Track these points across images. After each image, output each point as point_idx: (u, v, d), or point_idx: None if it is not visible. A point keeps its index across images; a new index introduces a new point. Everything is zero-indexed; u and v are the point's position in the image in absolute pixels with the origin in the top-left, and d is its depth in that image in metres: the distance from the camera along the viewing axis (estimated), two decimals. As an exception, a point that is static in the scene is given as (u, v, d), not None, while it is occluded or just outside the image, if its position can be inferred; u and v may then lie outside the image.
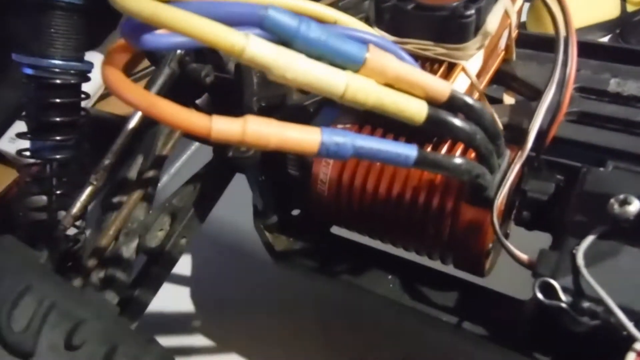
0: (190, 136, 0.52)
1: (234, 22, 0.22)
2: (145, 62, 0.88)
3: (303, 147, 0.23)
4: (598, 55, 0.43)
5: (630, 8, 0.70)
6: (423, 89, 0.25)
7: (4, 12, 0.74)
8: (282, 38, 0.23)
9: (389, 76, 0.25)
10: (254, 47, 0.22)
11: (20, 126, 0.80)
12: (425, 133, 0.33)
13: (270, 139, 0.23)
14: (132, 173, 0.48)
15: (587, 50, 0.43)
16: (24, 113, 0.41)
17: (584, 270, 0.27)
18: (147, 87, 0.44)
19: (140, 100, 0.23)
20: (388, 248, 0.40)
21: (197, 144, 0.73)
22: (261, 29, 0.22)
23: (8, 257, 0.31)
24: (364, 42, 0.27)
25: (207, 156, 0.49)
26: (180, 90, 0.46)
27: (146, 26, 0.23)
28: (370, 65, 0.24)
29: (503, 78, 0.40)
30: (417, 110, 0.25)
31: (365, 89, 0.24)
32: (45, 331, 0.28)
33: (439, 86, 0.25)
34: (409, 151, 0.25)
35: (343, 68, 0.24)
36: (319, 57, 0.23)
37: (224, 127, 0.23)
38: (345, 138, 0.24)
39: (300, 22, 0.23)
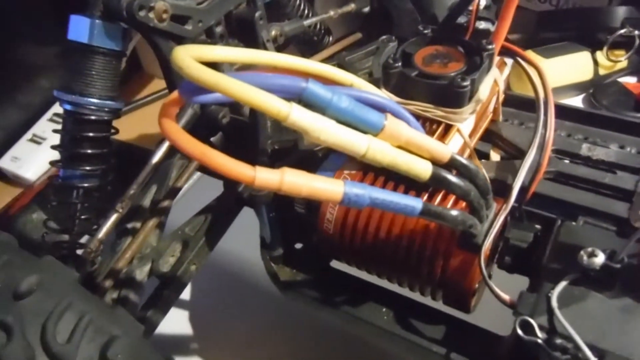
0: (206, 171, 0.56)
1: (280, 91, 0.27)
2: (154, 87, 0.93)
3: (329, 196, 0.28)
4: (573, 118, 0.49)
5: (601, 71, 0.77)
6: (429, 152, 0.30)
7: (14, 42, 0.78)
8: (318, 106, 0.27)
9: (401, 140, 0.30)
10: (296, 113, 0.26)
11: (21, 147, 0.84)
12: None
13: (302, 188, 0.27)
14: (147, 201, 0.51)
15: (564, 113, 0.49)
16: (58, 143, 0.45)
17: (558, 312, 0.32)
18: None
19: (195, 150, 0.27)
20: (383, 283, 0.44)
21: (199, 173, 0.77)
22: (301, 98, 0.27)
23: (51, 275, 0.34)
24: (379, 106, 0.32)
25: (209, 184, 0.53)
26: (198, 128, 0.51)
27: (201, 87, 0.28)
28: (387, 131, 0.29)
29: (491, 136, 0.45)
30: (423, 169, 0.30)
31: (382, 150, 0.28)
32: (84, 344, 0.32)
33: (442, 150, 0.30)
34: (416, 203, 0.29)
35: (364, 132, 0.29)
36: (346, 123, 0.28)
37: (266, 177, 0.27)
38: (364, 190, 0.28)
39: (333, 95, 0.27)
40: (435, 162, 0.30)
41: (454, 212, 0.31)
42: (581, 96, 0.80)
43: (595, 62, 0.77)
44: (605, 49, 0.76)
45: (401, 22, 0.73)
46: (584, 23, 0.81)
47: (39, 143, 0.84)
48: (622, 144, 0.46)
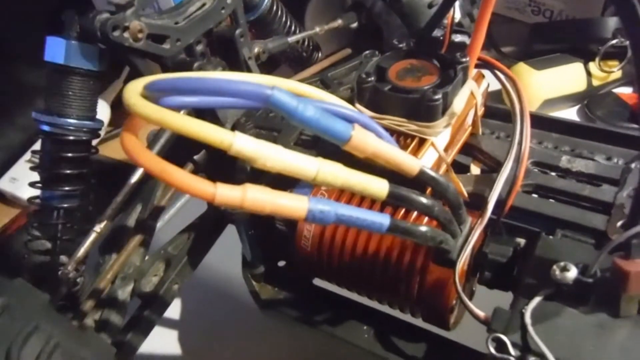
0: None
1: (245, 97, 0.26)
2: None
3: (293, 213, 0.27)
4: (560, 129, 0.49)
5: (595, 82, 0.77)
6: (397, 165, 0.30)
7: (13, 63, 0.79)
8: (282, 114, 0.27)
9: (368, 152, 0.29)
10: (239, 142, 0.26)
11: (20, 167, 0.84)
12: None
13: (265, 205, 0.27)
14: (131, 221, 0.51)
15: (551, 124, 0.49)
16: (37, 164, 0.45)
17: (530, 328, 0.31)
18: (152, 143, 0.48)
19: (154, 167, 0.27)
20: (364, 300, 0.44)
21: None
22: (266, 105, 0.27)
23: (19, 298, 0.34)
24: (350, 120, 0.32)
25: (199, 204, 0.53)
26: (181, 146, 0.51)
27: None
28: (354, 142, 0.28)
29: (470, 150, 0.45)
30: (379, 189, 0.29)
31: (333, 173, 0.28)
32: (50, 369, 0.31)
33: (411, 162, 0.30)
34: (383, 219, 0.29)
35: (331, 142, 0.28)
36: (312, 132, 0.28)
37: (227, 193, 0.26)
38: (329, 206, 0.28)
39: (299, 103, 0.27)
40: (404, 175, 0.30)
41: (423, 228, 0.31)
42: (576, 107, 0.79)
43: (589, 73, 0.77)
44: (597, 59, 0.75)
45: (390, 37, 0.73)
46: (576, 34, 0.80)
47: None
48: (609, 155, 0.45)
